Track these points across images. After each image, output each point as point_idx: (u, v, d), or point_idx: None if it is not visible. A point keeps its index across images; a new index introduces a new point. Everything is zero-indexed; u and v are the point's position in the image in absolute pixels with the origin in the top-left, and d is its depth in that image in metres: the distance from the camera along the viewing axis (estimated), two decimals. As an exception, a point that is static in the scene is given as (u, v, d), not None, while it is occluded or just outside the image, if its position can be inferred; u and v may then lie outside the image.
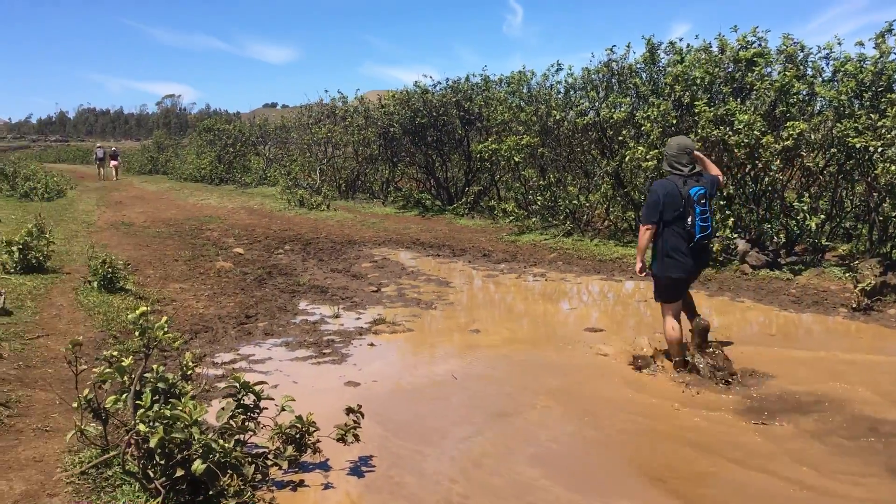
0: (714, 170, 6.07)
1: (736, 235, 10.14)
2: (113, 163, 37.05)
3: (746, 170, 10.62)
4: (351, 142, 22.25)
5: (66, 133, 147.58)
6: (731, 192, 10.80)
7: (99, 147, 41.76)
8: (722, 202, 10.70)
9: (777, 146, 9.71)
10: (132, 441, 3.57)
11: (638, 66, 12.50)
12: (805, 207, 9.81)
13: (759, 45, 10.65)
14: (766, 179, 10.38)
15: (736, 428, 4.82)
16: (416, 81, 19.31)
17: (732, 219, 10.16)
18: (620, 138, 12.20)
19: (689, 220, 5.65)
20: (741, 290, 9.02)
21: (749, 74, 10.44)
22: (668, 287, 5.94)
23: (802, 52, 10.41)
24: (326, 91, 29.61)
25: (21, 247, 9.15)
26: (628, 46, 12.75)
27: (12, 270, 9.09)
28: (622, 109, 12.06)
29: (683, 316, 6.14)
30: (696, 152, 5.87)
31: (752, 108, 10.23)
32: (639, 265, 6.04)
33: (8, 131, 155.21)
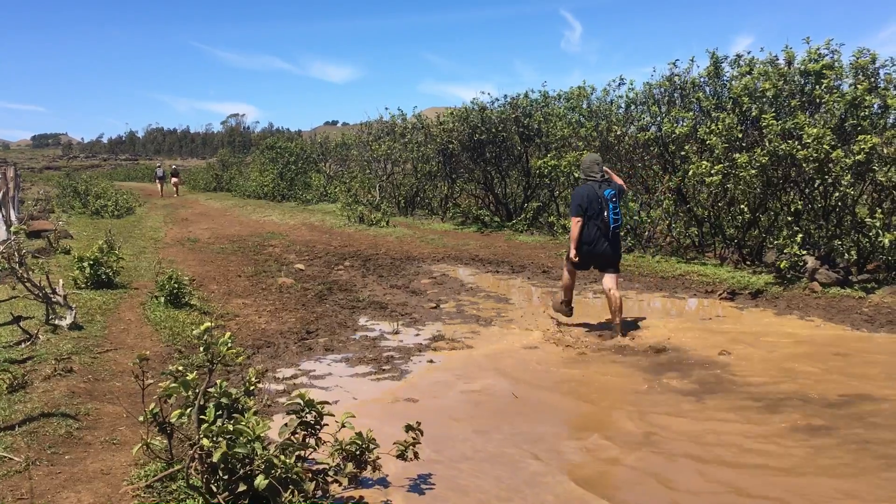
0: (618, 180, 8.03)
1: (805, 252, 9.82)
2: (174, 180, 38.45)
3: (815, 185, 10.32)
4: (410, 158, 22.43)
5: (135, 152, 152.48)
6: (800, 207, 10.49)
7: (159, 166, 43.42)
8: (790, 218, 10.40)
9: (848, 160, 9.42)
10: (196, 455, 3.61)
11: (701, 79, 12.29)
12: (878, 223, 9.47)
13: (832, 57, 10.35)
14: (836, 195, 10.06)
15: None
16: (474, 98, 19.36)
17: (801, 235, 9.85)
18: (683, 153, 12.00)
19: (605, 214, 7.52)
20: (810, 309, 8.73)
21: (817, 87, 10.17)
22: (578, 261, 7.76)
23: (874, 63, 10.09)
24: (386, 108, 29.94)
25: (92, 263, 9.43)
26: (692, 60, 12.55)
27: (83, 286, 9.38)
28: (685, 124, 11.86)
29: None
30: (604, 167, 7.83)
31: (822, 122, 9.94)
32: (573, 252, 7.77)
33: (81, 150, 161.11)
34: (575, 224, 7.63)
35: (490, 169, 19.36)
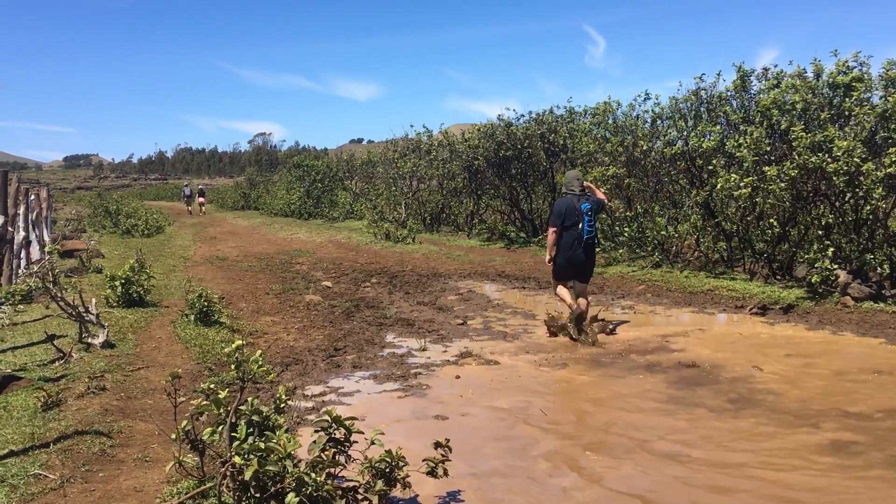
0: (599, 194, 8.75)
1: (836, 266, 9.69)
2: (200, 199, 39.55)
3: (846, 198, 10.20)
4: (435, 175, 22.49)
5: (164, 171, 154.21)
6: (830, 220, 10.37)
7: (186, 185, 44.62)
8: (820, 231, 10.28)
9: (879, 173, 9.30)
10: (228, 473, 3.63)
11: (728, 93, 12.22)
12: (911, 236, 9.34)
13: (861, 69, 10.25)
14: (868, 208, 9.93)
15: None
16: (499, 115, 19.42)
17: (832, 249, 9.73)
18: (710, 167, 11.92)
19: (580, 226, 8.20)
20: (843, 324, 8.61)
21: (847, 100, 10.07)
22: (558, 270, 8.50)
23: (905, 75, 9.98)
24: (412, 126, 30.08)
25: (123, 282, 9.56)
26: (718, 74, 12.51)
27: (115, 304, 9.50)
28: (712, 138, 11.79)
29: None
30: (586, 183, 8.58)
31: (852, 135, 9.84)
32: (548, 258, 8.66)
33: (111, 171, 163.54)
34: (550, 233, 8.49)
35: (516, 185, 19.37)
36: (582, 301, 8.26)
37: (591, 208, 8.27)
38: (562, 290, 8.50)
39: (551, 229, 8.47)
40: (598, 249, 14.30)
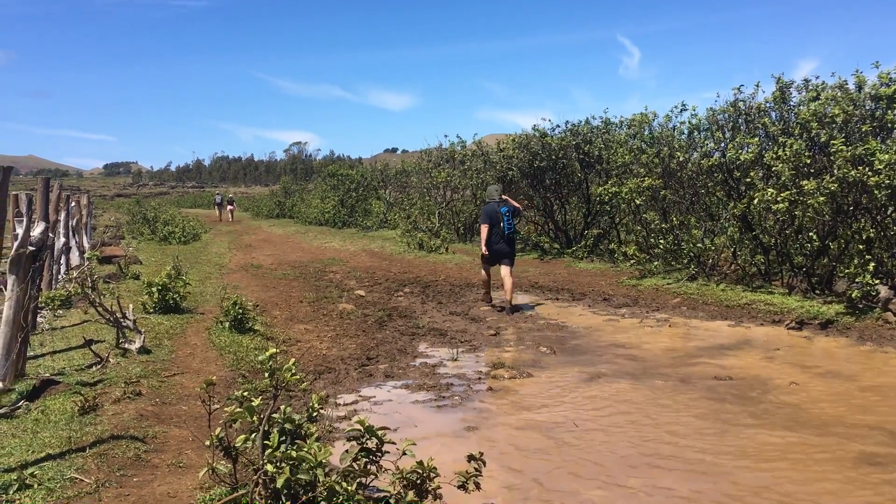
0: (515, 203, 11.30)
1: (877, 281, 9.48)
2: (229, 207, 43.04)
3: (888, 212, 9.99)
4: (469, 185, 22.48)
5: (202, 179, 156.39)
6: (872, 234, 10.16)
7: (218, 194, 49.19)
8: (861, 246, 10.07)
9: (923, 187, 9.10)
10: (260, 480, 3.64)
11: (767, 105, 12.05)
12: (956, 252, 9.10)
13: (904, 81, 10.07)
14: (911, 222, 9.71)
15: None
16: (534, 125, 19.35)
17: (873, 263, 9.52)
18: (748, 180, 11.75)
19: (501, 224, 10.86)
20: (884, 340, 8.41)
21: (889, 112, 9.87)
22: (486, 258, 11.12)
23: (950, 86, 9.76)
24: (446, 136, 30.11)
25: (160, 288, 9.68)
26: (757, 86, 12.33)
27: (152, 310, 9.62)
28: (750, 150, 11.63)
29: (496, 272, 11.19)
30: (504, 196, 11.29)
31: (894, 148, 9.64)
32: (484, 250, 11.05)
33: (150, 178, 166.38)
34: (483, 230, 11.02)
35: (550, 196, 19.29)
36: (508, 279, 10.86)
37: (508, 210, 10.96)
38: (484, 275, 11.43)
39: (483, 227, 11.02)
40: (631, 262, 14.33)
